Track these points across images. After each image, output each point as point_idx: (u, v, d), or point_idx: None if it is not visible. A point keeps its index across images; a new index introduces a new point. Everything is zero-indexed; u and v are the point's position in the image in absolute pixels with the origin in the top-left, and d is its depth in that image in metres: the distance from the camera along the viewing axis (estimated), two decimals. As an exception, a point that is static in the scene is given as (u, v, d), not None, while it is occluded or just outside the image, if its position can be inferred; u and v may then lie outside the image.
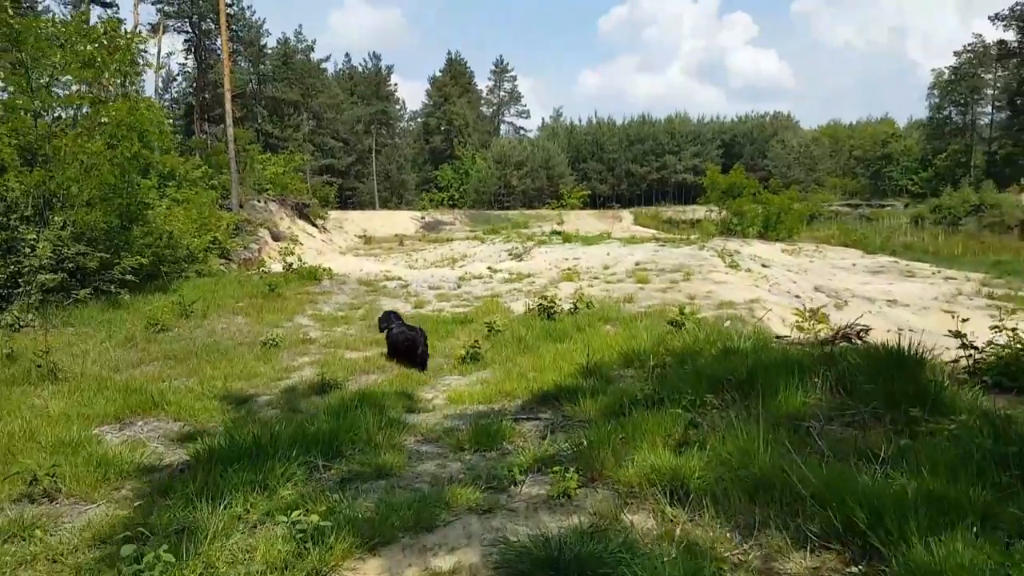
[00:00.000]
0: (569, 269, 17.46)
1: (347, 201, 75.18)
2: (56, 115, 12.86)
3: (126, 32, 14.24)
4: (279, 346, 8.54)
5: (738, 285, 14.01)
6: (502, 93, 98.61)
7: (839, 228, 44.12)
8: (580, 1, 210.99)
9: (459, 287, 14.75)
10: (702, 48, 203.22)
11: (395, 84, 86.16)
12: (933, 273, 24.56)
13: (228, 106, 24.19)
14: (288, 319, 10.52)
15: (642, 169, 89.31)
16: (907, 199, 72.14)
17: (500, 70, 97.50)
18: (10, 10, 10.96)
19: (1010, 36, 66.41)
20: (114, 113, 12.19)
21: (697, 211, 71.26)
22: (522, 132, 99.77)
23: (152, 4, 42.45)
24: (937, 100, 77.60)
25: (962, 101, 75.87)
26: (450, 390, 6.60)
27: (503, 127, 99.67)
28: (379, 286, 14.53)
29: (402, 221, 57.27)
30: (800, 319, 7.56)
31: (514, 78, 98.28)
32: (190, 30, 45.94)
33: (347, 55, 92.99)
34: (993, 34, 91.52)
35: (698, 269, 16.56)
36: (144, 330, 9.32)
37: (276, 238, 33.47)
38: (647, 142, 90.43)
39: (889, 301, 18.42)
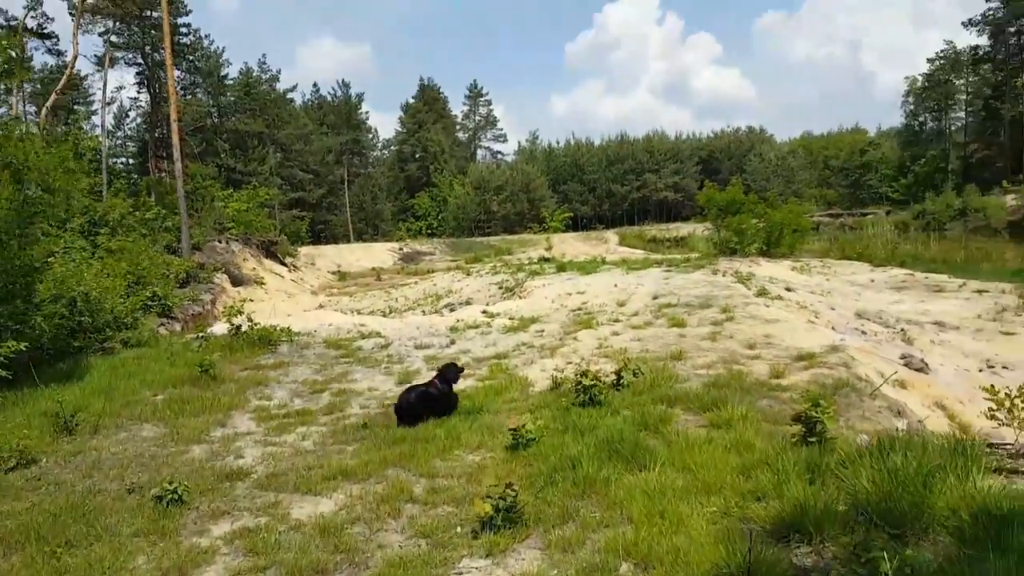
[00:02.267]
0: (580, 310, 14.83)
1: (320, 235, 72.27)
2: None
3: None
4: (184, 501, 5.24)
5: (792, 323, 11.48)
6: (477, 118, 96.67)
7: (840, 241, 42.16)
8: (547, 28, 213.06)
9: (452, 343, 12.01)
10: (667, 69, 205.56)
11: (366, 112, 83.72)
12: (960, 287, 22.39)
13: (175, 138, 21.46)
14: (221, 422, 7.58)
15: (623, 188, 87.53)
16: (888, 206, 70.95)
17: (475, 94, 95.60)
18: None
19: (983, 41, 65.94)
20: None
21: (682, 228, 69.50)
22: (500, 156, 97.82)
23: (99, 35, 39.60)
24: (912, 107, 77.18)
25: (936, 107, 75.39)
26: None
27: (480, 152, 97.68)
28: (352, 348, 11.71)
29: (379, 253, 54.38)
30: (994, 403, 5.01)
31: (489, 102, 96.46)
32: (142, 62, 43.06)
33: (315, 84, 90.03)
34: (966, 39, 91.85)
35: (729, 301, 14.05)
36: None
37: (238, 282, 30.47)
38: (626, 161, 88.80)
39: (936, 324, 16.10)
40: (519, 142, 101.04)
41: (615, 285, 18.92)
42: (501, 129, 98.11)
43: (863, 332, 11.79)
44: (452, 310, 22.41)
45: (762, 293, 16.13)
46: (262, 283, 33.24)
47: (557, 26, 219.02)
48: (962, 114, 73.84)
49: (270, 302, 32.55)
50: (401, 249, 55.16)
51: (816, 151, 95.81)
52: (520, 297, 20.40)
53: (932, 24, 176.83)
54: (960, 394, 8.63)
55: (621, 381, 7.66)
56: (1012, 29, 62.49)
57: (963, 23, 67.79)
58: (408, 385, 8.18)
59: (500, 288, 23.81)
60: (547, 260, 31.38)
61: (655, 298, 15.79)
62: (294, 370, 10.23)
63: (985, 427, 7.86)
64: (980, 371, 10.39)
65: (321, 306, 30.37)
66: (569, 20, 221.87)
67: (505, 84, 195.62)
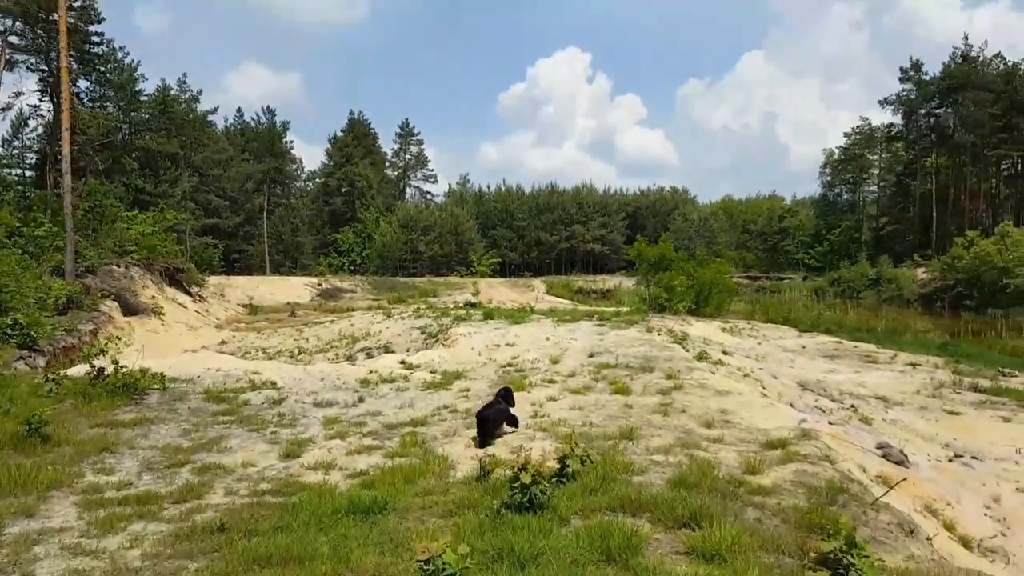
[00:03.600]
0: (511, 365, 13.30)
1: (234, 265, 68.63)
2: None
3: None
4: None
5: (746, 397, 10.27)
6: (408, 156, 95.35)
7: (764, 304, 42.48)
8: (481, 76, 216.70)
9: (360, 402, 10.19)
10: (595, 126, 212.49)
11: (291, 141, 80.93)
12: (892, 358, 22.15)
13: (66, 148, 18.95)
14: (29, 509, 5.43)
15: (552, 237, 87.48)
16: (804, 272, 73.37)
17: (406, 133, 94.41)
18: None
19: (897, 120, 69.88)
20: None
21: (608, 281, 69.67)
22: (429, 196, 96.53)
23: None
24: (828, 178, 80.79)
25: (851, 180, 79.15)
26: None
27: (409, 191, 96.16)
28: (237, 403, 9.72)
29: (296, 288, 51.49)
30: None
31: (420, 142, 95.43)
32: (46, 68, 39.65)
33: (239, 110, 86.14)
34: (881, 117, 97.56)
35: (671, 365, 12.85)
36: None
37: (132, 311, 27.49)
38: (556, 211, 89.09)
39: (879, 399, 15.38)
40: (450, 184, 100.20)
41: (547, 338, 17.54)
42: (432, 169, 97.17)
43: (821, 410, 10.71)
44: (369, 355, 20.49)
45: (702, 357, 15.06)
46: (161, 313, 30.22)
47: (491, 76, 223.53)
48: (875, 188, 77.73)
49: (167, 334, 29.59)
50: (320, 284, 52.48)
51: (736, 215, 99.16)
52: (444, 345, 18.73)
53: (840, 105, 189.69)
54: (944, 492, 7.52)
55: (566, 471, 6.11)
56: (923, 111, 66.45)
57: (879, 101, 71.92)
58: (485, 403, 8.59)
59: (423, 333, 22.09)
60: (474, 305, 29.81)
61: (591, 356, 14.46)
62: (157, 430, 8.19)
63: (984, 537, 6.74)
64: (950, 460, 9.41)
65: (223, 342, 27.72)
66: (503, 71, 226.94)
67: (438, 126, 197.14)
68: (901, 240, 67.71)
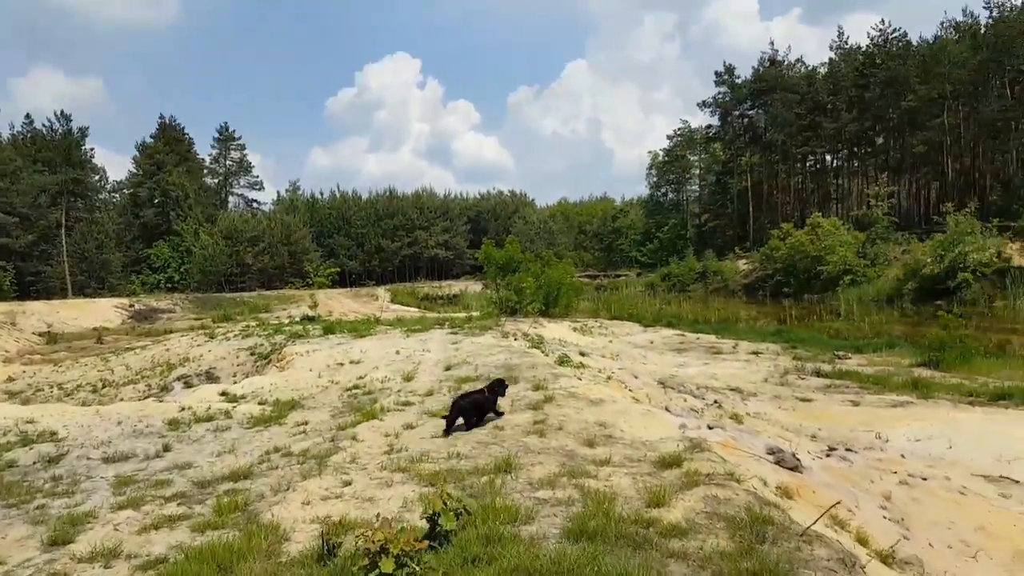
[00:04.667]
0: (357, 388, 11.64)
1: (29, 289, 60.02)
2: None
3: None
4: None
5: (621, 404, 9.42)
6: (229, 162, 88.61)
7: (608, 301, 43.31)
8: (307, 83, 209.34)
9: (166, 451, 8.13)
10: (430, 131, 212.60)
11: (91, 149, 72.04)
12: (734, 347, 22.85)
13: None
14: None
15: (393, 244, 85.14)
16: (638, 268, 76.80)
17: (225, 138, 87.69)
18: None
19: (715, 122, 74.97)
20: None
21: (454, 286, 68.68)
22: (256, 205, 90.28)
23: None
24: (655, 179, 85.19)
25: (675, 180, 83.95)
26: None
27: (233, 199, 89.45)
28: (-8, 468, 7.37)
29: (103, 311, 45.52)
30: None
31: (243, 147, 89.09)
32: None
33: (28, 116, 74.53)
34: (700, 120, 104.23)
35: (536, 373, 11.83)
36: None
37: None
38: (396, 217, 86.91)
39: (734, 391, 15.41)
40: (278, 192, 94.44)
41: (397, 352, 15.96)
42: (257, 176, 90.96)
43: (695, 411, 10.11)
44: (188, 384, 17.76)
45: (563, 361, 14.23)
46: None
47: (318, 81, 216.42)
48: (697, 187, 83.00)
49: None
50: (132, 306, 46.89)
51: (572, 217, 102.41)
52: (277, 367, 16.59)
53: (657, 110, 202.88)
54: (842, 496, 6.99)
55: (438, 531, 4.73)
56: (737, 113, 71.72)
57: (697, 104, 76.88)
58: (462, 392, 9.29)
59: (252, 355, 19.64)
60: (312, 319, 27.43)
61: (448, 369, 13.13)
62: None
63: (894, 546, 6.19)
64: (827, 455, 9.07)
65: (11, 378, 23.31)
66: (330, 76, 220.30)
67: (262, 132, 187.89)
68: (723, 234, 72.71)
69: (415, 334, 19.58)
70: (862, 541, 5.91)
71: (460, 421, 8.24)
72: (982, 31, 56.80)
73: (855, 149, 68.21)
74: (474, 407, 8.37)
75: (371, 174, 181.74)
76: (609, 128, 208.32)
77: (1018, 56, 50.02)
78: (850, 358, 19.20)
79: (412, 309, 45.17)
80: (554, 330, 23.53)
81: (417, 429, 8.43)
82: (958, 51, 54.22)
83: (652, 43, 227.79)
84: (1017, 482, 8.53)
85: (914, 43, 61.93)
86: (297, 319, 29.26)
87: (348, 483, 6.53)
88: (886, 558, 5.62)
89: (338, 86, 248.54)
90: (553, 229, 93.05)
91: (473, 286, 62.15)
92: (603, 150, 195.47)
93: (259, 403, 11.21)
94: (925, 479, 8.14)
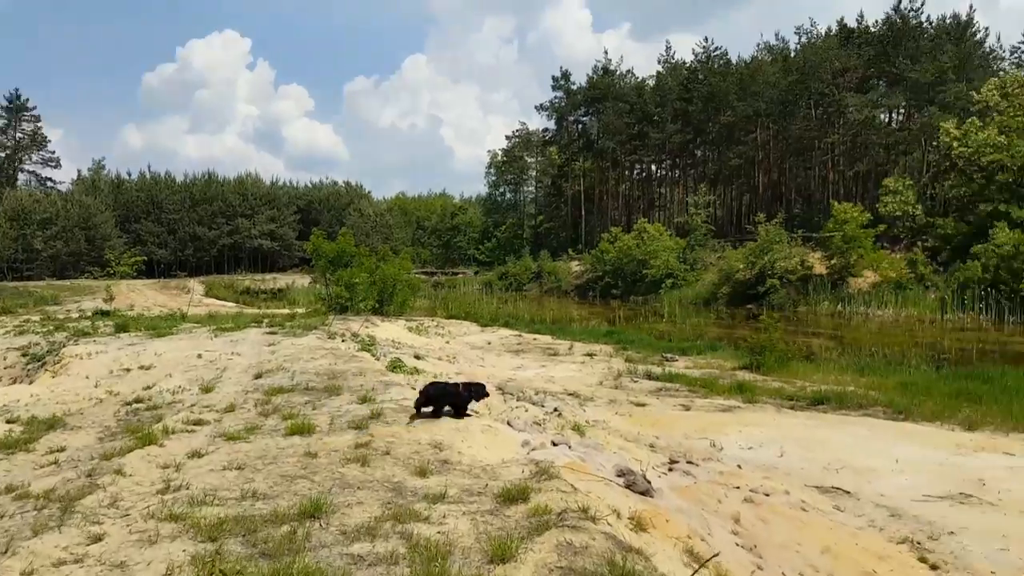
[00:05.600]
0: (140, 401, 9.65)
1: None
2: None
3: None
4: None
5: (459, 419, 8.39)
6: (19, 135, 77.31)
7: (445, 299, 42.37)
8: (120, 55, 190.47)
9: None
10: (259, 115, 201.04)
11: None
12: (570, 349, 22.78)
13: None
14: None
15: (211, 233, 78.52)
16: (475, 267, 76.81)
17: (16, 107, 76.46)
18: None
19: (552, 125, 76.60)
20: None
21: (280, 279, 64.48)
22: (50, 184, 79.42)
23: None
24: (494, 179, 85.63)
25: (513, 181, 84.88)
26: None
27: (23, 176, 78.29)
28: None
29: None
30: None
31: (37, 119, 78.01)
32: None
33: None
34: (538, 123, 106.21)
35: (363, 382, 10.56)
36: None
37: None
38: (215, 203, 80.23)
39: (572, 395, 15.01)
40: (79, 171, 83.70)
41: (199, 355, 13.87)
42: (53, 151, 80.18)
43: (538, 424, 9.31)
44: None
45: (396, 367, 13.01)
46: None
47: (133, 53, 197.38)
48: (533, 188, 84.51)
49: None
50: None
51: (410, 211, 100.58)
52: (51, 373, 13.84)
53: (495, 111, 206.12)
54: (694, 523, 6.42)
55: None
56: (572, 118, 73.69)
57: (535, 107, 78.30)
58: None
59: (24, 356, 16.47)
60: (106, 314, 23.93)
61: (258, 377, 11.42)
62: None
63: (752, 580, 5.66)
64: (669, 470, 8.62)
65: None
66: (146, 48, 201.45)
67: (62, 105, 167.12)
68: (557, 236, 74.52)
69: (226, 333, 17.40)
70: (713, 556, 5.31)
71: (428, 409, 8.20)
72: (792, 55, 62.54)
73: (678, 160, 72.66)
74: (444, 394, 8.32)
75: (190, 157, 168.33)
76: (449, 125, 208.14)
77: (822, 80, 55.43)
78: (677, 360, 19.62)
79: (229, 304, 41.48)
80: (388, 330, 22.14)
81: (207, 458, 6.84)
82: (771, 72, 59.25)
83: (491, 44, 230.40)
84: (848, 493, 8.55)
85: (733, 62, 67.05)
86: (88, 313, 25.45)
87: (98, 539, 4.92)
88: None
89: (156, 61, 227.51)
90: (390, 223, 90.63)
91: (301, 280, 58.67)
92: (442, 147, 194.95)
93: (7, 421, 8.92)
94: (768, 495, 7.88)
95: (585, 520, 5.07)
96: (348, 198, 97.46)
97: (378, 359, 13.80)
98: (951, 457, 9.30)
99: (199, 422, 8.30)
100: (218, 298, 48.17)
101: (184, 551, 4.62)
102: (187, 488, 5.92)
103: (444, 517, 5.20)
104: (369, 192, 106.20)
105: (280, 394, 9.71)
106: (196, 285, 55.36)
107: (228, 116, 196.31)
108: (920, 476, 8.72)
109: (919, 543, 6.97)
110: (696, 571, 4.26)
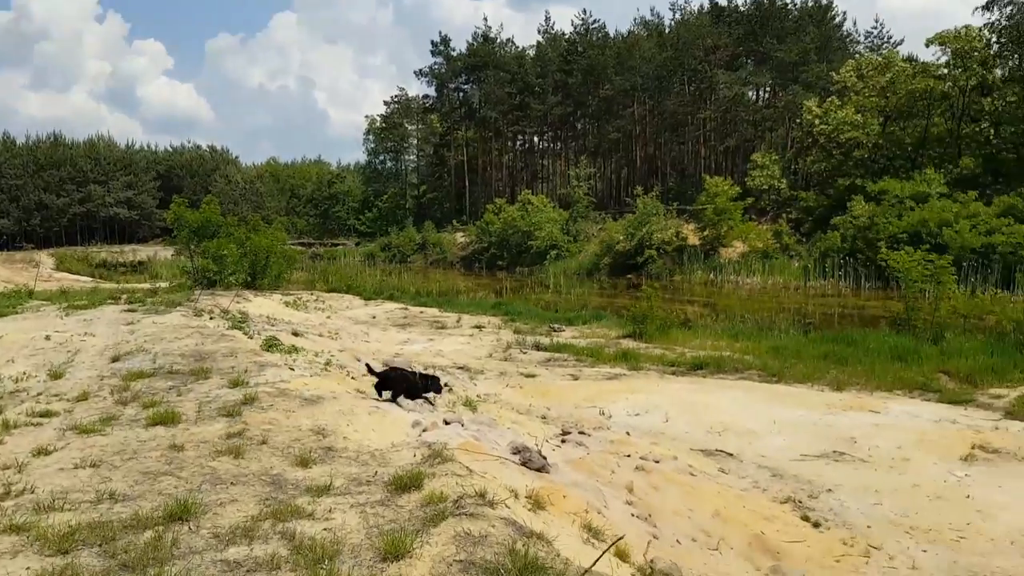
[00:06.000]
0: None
1: None
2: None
3: None
4: None
5: (343, 400, 7.92)
6: None
7: (325, 272, 40.77)
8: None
9: None
10: (111, 72, 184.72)
11: None
12: (457, 322, 22.50)
13: None
14: None
15: (60, 200, 71.65)
16: (356, 238, 74.50)
17: None
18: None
19: (432, 92, 74.99)
20: None
21: (140, 251, 59.89)
22: None
23: None
24: (373, 146, 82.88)
25: (394, 149, 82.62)
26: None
27: None
28: None
29: None
30: None
31: None
32: None
33: None
34: (418, 89, 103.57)
35: (235, 363, 9.80)
36: None
37: None
38: (63, 168, 73.04)
39: (462, 368, 14.88)
40: None
41: (47, 337, 12.51)
42: None
43: (428, 403, 8.96)
44: None
45: (272, 346, 12.18)
46: None
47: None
48: (415, 157, 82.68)
49: None
50: None
51: (284, 179, 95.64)
52: None
53: (372, 75, 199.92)
54: (590, 496, 6.34)
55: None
56: (453, 86, 72.41)
57: (415, 72, 76.35)
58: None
59: None
60: (-70, 293, 21.14)
61: (116, 360, 10.35)
62: None
63: (649, 552, 5.63)
64: (563, 442, 8.56)
65: None
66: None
67: None
68: (441, 207, 73.50)
69: (79, 311, 15.80)
70: (623, 556, 5.24)
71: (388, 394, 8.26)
72: (667, 31, 64.33)
73: (559, 132, 73.42)
74: (403, 379, 8.41)
75: (32, 116, 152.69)
76: (322, 88, 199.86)
77: (695, 57, 57.45)
78: (564, 330, 19.83)
79: (84, 278, 38.12)
80: (262, 305, 20.95)
81: (55, 455, 6.02)
82: (647, 48, 60.72)
83: (366, 4, 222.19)
84: (732, 455, 8.85)
85: (611, 35, 68.20)
86: (-92, 292, 22.46)
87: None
88: (649, 576, 4.99)
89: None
90: (261, 191, 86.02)
91: (164, 252, 54.77)
92: (316, 111, 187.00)
93: None
94: (658, 462, 7.98)
95: (483, 506, 4.81)
96: (213, 164, 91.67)
97: (251, 337, 12.90)
98: (823, 417, 9.85)
99: (47, 413, 7.35)
100: (71, 272, 44.17)
101: (28, 569, 3.95)
102: (32, 492, 5.14)
103: (330, 512, 4.78)
104: (236, 157, 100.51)
105: (140, 379, 8.81)
106: (45, 258, 50.48)
107: (75, 72, 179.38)
108: (796, 436, 9.17)
109: (800, 502, 7.29)
110: (598, 559, 4.08)
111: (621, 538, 4.88)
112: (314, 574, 3.86)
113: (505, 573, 3.85)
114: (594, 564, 4.00)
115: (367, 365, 9.41)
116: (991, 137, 39.34)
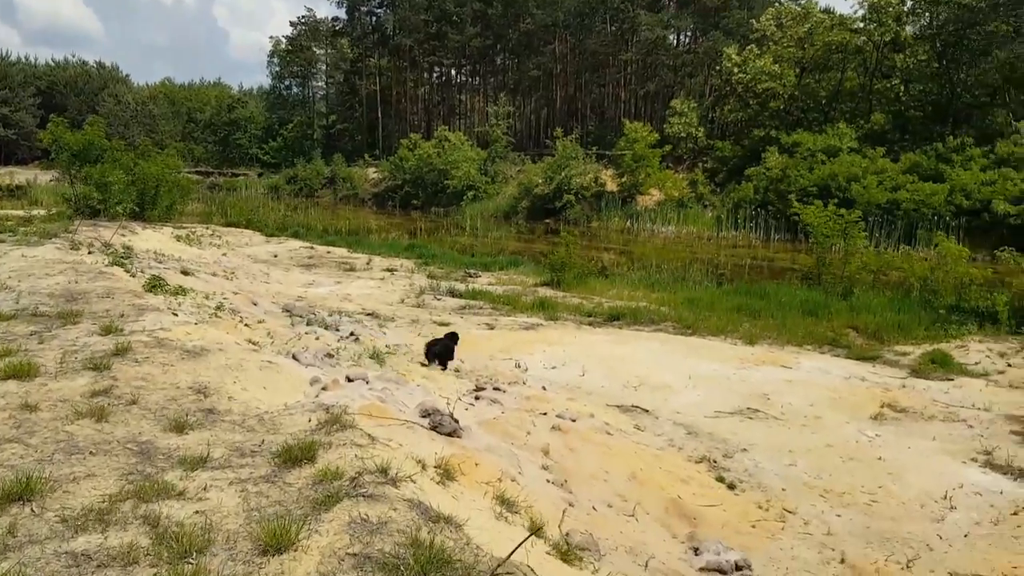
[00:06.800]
0: None
1: None
2: None
3: None
4: None
5: (231, 352, 7.10)
6: None
7: (223, 204, 38.29)
8: None
9: None
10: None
11: None
12: (367, 264, 21.55)
13: None
14: None
15: (-81, 113, 64.13)
16: (259, 168, 70.57)
17: None
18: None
19: (342, 15, 70.50)
20: None
21: (19, 175, 54.53)
22: None
23: None
24: (278, 70, 77.69)
25: (301, 74, 77.77)
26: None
27: None
28: None
29: None
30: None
31: None
32: None
33: None
34: (327, 11, 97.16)
35: (110, 306, 8.72)
36: None
37: None
38: (-75, 77, 65.22)
39: (369, 315, 14.13)
40: None
41: None
42: None
43: (330, 355, 8.23)
44: None
45: (156, 286, 11.02)
46: None
47: None
48: (324, 84, 78.18)
49: None
50: None
51: (180, 101, 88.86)
52: None
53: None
54: (503, 462, 5.88)
55: None
56: (364, 9, 68.27)
57: (329, -6, 71.21)
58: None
59: None
60: None
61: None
62: None
63: (563, 523, 5.24)
64: (476, 399, 8.08)
65: None
66: None
67: None
68: (351, 139, 70.30)
69: (-70, 242, 13.91)
70: (536, 529, 4.84)
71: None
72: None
73: (478, 66, 71.20)
74: (446, 351, 9.24)
75: None
76: (222, 4, 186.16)
77: (619, -6, 56.21)
78: (480, 276, 19.29)
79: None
80: (150, 239, 19.32)
81: None
82: (570, -20, 58.92)
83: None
84: (647, 412, 8.64)
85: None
86: None
87: None
88: (565, 553, 4.60)
89: None
90: (155, 114, 79.65)
91: (45, 176, 50.04)
92: (216, 29, 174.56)
93: None
94: (574, 420, 7.65)
95: (385, 484, 4.23)
96: (101, 82, 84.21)
97: (134, 276, 11.66)
98: (737, 371, 9.79)
99: None
100: (-68, 196, 39.60)
101: None
102: None
103: (204, 490, 4.09)
104: (127, 76, 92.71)
105: (2, 320, 7.66)
106: (-101, 178, 45.02)
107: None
108: (711, 391, 9.05)
109: (715, 462, 7.14)
110: (512, 552, 3.60)
111: (540, 528, 4.42)
112: (177, 571, 3.21)
113: (406, 570, 3.32)
114: (508, 557, 3.52)
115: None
116: (901, 94, 40.60)
